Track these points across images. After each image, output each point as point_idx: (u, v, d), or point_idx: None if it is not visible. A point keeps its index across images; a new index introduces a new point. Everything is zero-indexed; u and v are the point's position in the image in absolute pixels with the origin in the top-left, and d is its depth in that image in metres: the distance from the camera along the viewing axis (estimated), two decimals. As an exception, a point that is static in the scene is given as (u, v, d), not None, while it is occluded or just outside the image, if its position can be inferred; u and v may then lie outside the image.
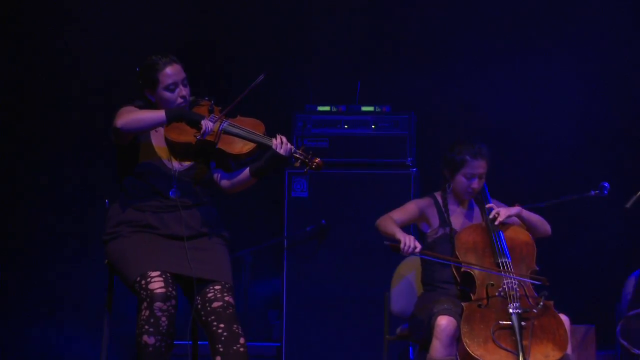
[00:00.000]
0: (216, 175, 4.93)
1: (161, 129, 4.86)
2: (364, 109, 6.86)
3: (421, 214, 5.34)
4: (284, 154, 4.80)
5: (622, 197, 5.70)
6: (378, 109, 6.85)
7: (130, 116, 4.70)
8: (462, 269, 5.13)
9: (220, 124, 4.80)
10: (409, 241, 5.06)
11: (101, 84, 7.05)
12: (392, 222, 5.24)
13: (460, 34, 7.28)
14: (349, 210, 6.72)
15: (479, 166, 5.26)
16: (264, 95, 7.21)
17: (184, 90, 4.84)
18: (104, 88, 7.00)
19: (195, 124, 4.71)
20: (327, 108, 6.87)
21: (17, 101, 7.14)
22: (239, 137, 4.81)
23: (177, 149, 4.84)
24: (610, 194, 5.80)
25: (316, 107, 6.87)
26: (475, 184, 5.28)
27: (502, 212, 5.25)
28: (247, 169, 4.87)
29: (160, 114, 4.70)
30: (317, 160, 4.82)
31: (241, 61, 7.28)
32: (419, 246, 5.08)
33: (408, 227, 5.45)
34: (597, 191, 5.80)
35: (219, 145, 4.80)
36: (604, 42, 7.16)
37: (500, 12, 7.22)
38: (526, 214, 5.33)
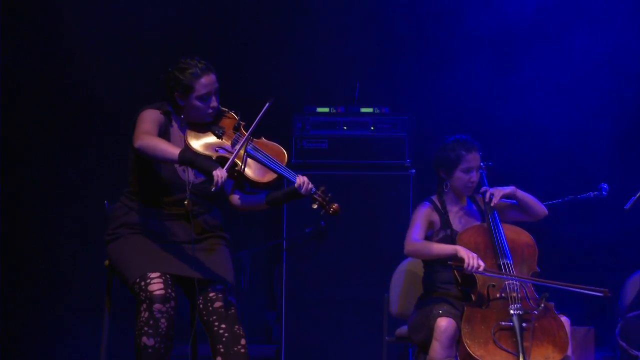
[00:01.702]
0: (232, 196, 4.91)
1: (182, 139, 4.77)
2: (362, 110, 6.86)
3: (430, 222, 5.33)
4: (304, 193, 4.73)
5: (621, 198, 5.70)
6: (377, 111, 6.86)
7: (150, 142, 4.55)
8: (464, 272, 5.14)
9: (247, 147, 4.70)
10: (472, 261, 5.03)
11: (101, 84, 7.04)
12: (428, 242, 5.22)
13: (459, 35, 7.28)
14: (348, 212, 6.68)
15: (475, 158, 5.28)
16: (263, 97, 7.20)
17: (215, 102, 4.75)
18: (105, 88, 6.99)
19: (206, 173, 4.52)
20: (326, 109, 6.87)
21: (17, 101, 7.12)
22: (262, 164, 4.71)
23: None
24: (609, 195, 5.80)
25: (315, 109, 6.87)
26: (474, 177, 5.29)
27: (497, 193, 5.28)
28: (263, 197, 4.84)
29: (174, 154, 4.50)
30: (335, 205, 4.76)
31: (240, 62, 7.28)
32: (482, 264, 5.05)
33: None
34: (596, 192, 5.80)
35: (239, 168, 4.68)
36: (604, 44, 7.17)
37: (499, 14, 7.22)
38: (521, 193, 5.35)
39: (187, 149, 4.59)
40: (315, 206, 4.75)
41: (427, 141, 6.87)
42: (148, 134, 4.59)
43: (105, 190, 5.38)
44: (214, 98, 4.75)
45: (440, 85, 7.23)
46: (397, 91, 7.23)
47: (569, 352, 4.99)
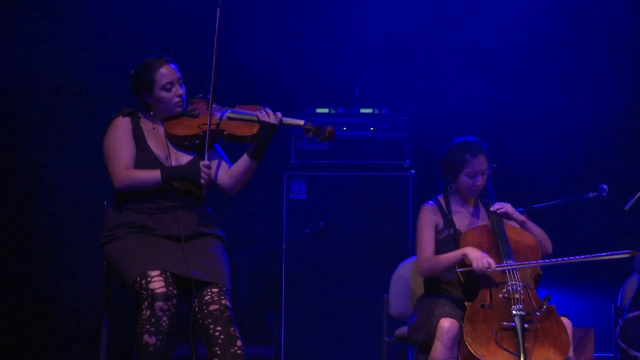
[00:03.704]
0: (219, 180, 4.94)
1: (161, 129, 4.90)
2: (362, 111, 6.86)
3: (436, 225, 5.32)
4: (273, 121, 4.84)
5: (621, 199, 5.69)
6: (376, 111, 6.86)
7: (128, 182, 4.76)
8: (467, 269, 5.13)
9: (221, 114, 4.88)
10: (481, 263, 5.03)
11: (104, 84, 7.04)
12: (436, 256, 5.21)
13: (459, 36, 7.29)
14: (347, 212, 6.72)
15: (480, 162, 5.26)
16: (263, 98, 7.20)
17: (180, 89, 4.87)
18: (107, 88, 6.99)
19: (195, 181, 4.75)
20: (325, 110, 6.87)
21: (18, 102, 7.12)
22: (244, 120, 4.87)
23: (179, 145, 4.87)
24: (609, 196, 5.80)
25: (315, 110, 6.87)
26: (479, 181, 5.28)
27: (508, 209, 5.27)
28: (244, 155, 4.88)
29: (157, 177, 4.74)
30: (329, 127, 4.90)
31: (240, 63, 7.28)
32: (492, 261, 5.05)
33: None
34: (595, 193, 5.80)
35: (228, 131, 4.84)
36: (606, 45, 7.18)
37: (499, 15, 7.22)
38: (530, 225, 5.34)
39: (165, 167, 4.75)
40: (310, 135, 4.90)
41: (427, 142, 6.88)
42: (122, 172, 4.76)
43: (106, 191, 5.37)
44: (177, 86, 4.87)
45: (440, 85, 7.23)
46: (396, 92, 7.23)
47: (570, 353, 4.99)
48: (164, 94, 4.84)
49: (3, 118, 7.05)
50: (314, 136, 4.91)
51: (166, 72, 4.85)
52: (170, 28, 7.18)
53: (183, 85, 4.89)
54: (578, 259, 5.11)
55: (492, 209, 5.27)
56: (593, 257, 5.11)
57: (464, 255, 5.08)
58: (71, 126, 7.13)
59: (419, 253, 5.26)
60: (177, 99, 4.86)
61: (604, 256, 5.12)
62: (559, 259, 5.15)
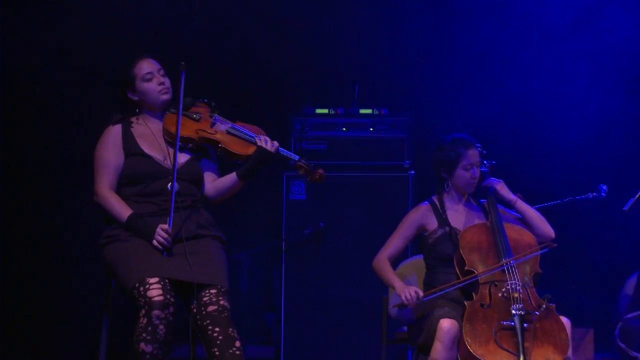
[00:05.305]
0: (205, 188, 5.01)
1: (154, 128, 4.96)
2: (362, 111, 6.86)
3: (420, 227, 5.34)
4: (271, 150, 4.94)
5: (620, 199, 5.70)
6: (376, 112, 6.86)
7: (103, 203, 4.84)
8: (466, 268, 5.13)
9: (222, 126, 4.97)
10: (409, 295, 5.09)
11: (102, 86, 7.04)
12: (387, 266, 5.29)
13: (459, 35, 7.29)
14: (347, 213, 6.72)
15: (474, 155, 5.31)
16: (263, 99, 7.21)
17: (161, 79, 4.95)
18: (106, 91, 6.99)
19: (147, 237, 4.76)
20: (325, 111, 6.87)
21: (19, 102, 7.12)
22: (242, 139, 4.96)
23: (174, 143, 4.89)
24: (608, 197, 5.81)
25: (314, 110, 6.88)
26: (476, 173, 5.31)
27: (498, 185, 5.34)
28: (233, 173, 4.96)
29: (123, 217, 4.79)
30: (321, 171, 5.00)
31: (240, 63, 7.28)
32: (420, 292, 5.10)
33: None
34: (595, 194, 5.81)
35: (223, 144, 4.92)
36: (608, 45, 7.18)
37: (500, 13, 7.23)
38: (521, 205, 5.38)
39: (133, 216, 4.78)
40: (301, 172, 5.01)
41: (427, 142, 6.87)
42: (105, 191, 4.84)
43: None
44: (158, 76, 4.95)
45: (440, 85, 7.23)
46: (396, 92, 7.23)
47: (569, 353, 4.99)
48: (145, 85, 4.94)
49: (4, 118, 7.06)
50: (305, 174, 5.01)
51: (144, 64, 4.96)
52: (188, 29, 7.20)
53: (166, 77, 4.98)
54: (499, 265, 5.12)
55: (483, 184, 5.34)
56: (518, 259, 5.12)
57: (394, 288, 5.19)
58: (72, 124, 7.13)
59: (382, 248, 5.36)
60: (160, 87, 4.95)
61: (530, 253, 5.15)
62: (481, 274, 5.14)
